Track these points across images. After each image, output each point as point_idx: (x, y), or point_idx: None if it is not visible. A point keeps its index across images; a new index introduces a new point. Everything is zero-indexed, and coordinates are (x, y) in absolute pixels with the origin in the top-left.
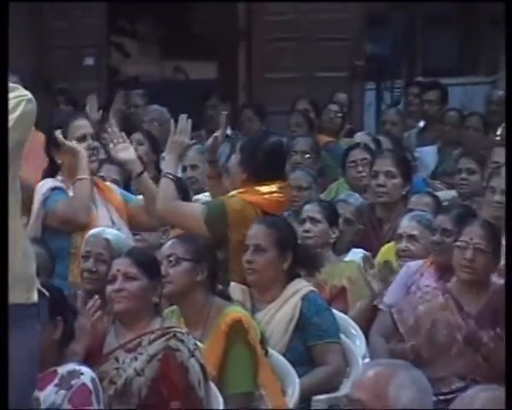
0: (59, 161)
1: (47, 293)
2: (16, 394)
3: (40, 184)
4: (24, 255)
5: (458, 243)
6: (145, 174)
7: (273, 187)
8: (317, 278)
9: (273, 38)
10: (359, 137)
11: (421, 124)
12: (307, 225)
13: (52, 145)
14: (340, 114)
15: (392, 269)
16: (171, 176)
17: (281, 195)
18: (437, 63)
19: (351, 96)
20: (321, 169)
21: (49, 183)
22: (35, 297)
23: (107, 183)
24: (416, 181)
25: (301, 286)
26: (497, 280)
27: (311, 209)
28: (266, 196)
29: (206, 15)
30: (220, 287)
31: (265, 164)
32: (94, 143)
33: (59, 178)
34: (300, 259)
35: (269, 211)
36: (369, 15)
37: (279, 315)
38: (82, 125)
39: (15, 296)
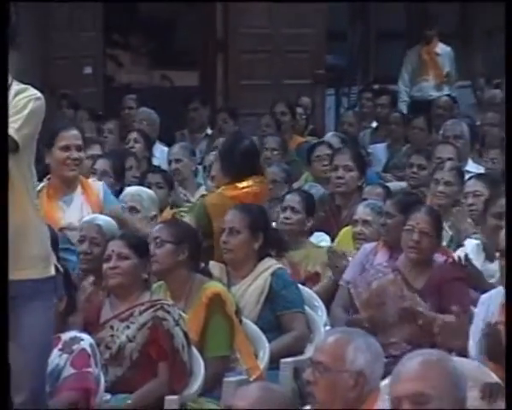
0: (47, 161)
1: (62, 269)
2: (39, 356)
3: None
4: (40, 235)
5: (407, 227)
6: None
7: (249, 182)
8: (293, 262)
9: (247, 50)
10: (328, 136)
11: (374, 124)
12: (288, 213)
13: (45, 146)
14: (304, 116)
15: (337, 253)
16: None
17: (257, 188)
18: (387, 72)
19: (313, 100)
20: (288, 164)
21: None
22: (52, 271)
23: (96, 184)
24: (370, 174)
25: (271, 264)
26: (439, 259)
27: (292, 199)
28: (244, 190)
29: (188, 31)
30: (202, 265)
31: (241, 163)
32: (76, 154)
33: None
34: (270, 240)
35: (243, 200)
36: (329, 31)
37: (251, 289)
38: (66, 137)
39: (36, 272)
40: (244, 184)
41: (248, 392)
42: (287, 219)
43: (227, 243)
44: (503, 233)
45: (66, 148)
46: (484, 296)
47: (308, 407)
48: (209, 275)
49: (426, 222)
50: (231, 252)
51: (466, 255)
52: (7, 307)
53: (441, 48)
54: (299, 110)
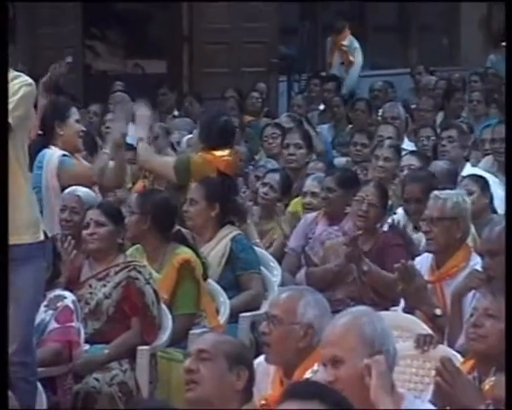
0: (61, 132)
1: (49, 234)
2: (29, 312)
3: (49, 151)
4: (29, 203)
5: (356, 198)
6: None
7: (225, 152)
8: (263, 230)
9: (210, 42)
10: (283, 117)
11: (321, 107)
12: (266, 189)
13: (57, 118)
14: (260, 100)
15: (298, 217)
16: (144, 139)
17: (230, 158)
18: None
19: (268, 86)
20: (246, 141)
21: (58, 151)
22: (41, 237)
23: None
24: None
25: (231, 230)
26: (382, 228)
27: (272, 177)
28: (220, 158)
29: (158, 25)
30: (177, 228)
31: (218, 135)
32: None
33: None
34: (229, 209)
35: (221, 168)
36: (282, 25)
37: (214, 252)
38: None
39: (26, 238)
40: (220, 153)
41: (206, 337)
42: (265, 194)
43: (187, 211)
44: (429, 204)
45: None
46: (416, 259)
47: (263, 356)
48: (182, 238)
49: (373, 194)
50: (191, 219)
51: (398, 222)
52: (7, 306)
53: (349, 39)
54: (256, 94)
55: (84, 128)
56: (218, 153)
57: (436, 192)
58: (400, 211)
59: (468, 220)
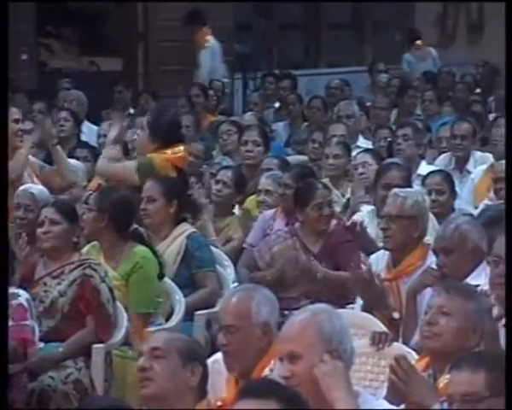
0: None
1: None
2: None
3: None
4: None
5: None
6: (58, 146)
7: (179, 148)
8: (218, 227)
9: (165, 39)
10: (248, 116)
11: (277, 105)
12: (219, 186)
13: None
14: (215, 98)
15: (250, 215)
16: (110, 145)
17: (184, 153)
18: (288, 59)
19: (223, 84)
20: (202, 140)
21: None
22: None
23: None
24: (275, 147)
25: (186, 228)
26: (332, 225)
27: (225, 174)
28: (176, 154)
29: (113, 23)
30: (134, 227)
31: (169, 131)
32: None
33: None
34: (185, 206)
35: (178, 165)
36: (237, 23)
37: (169, 250)
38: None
39: None
40: (175, 149)
41: (159, 335)
42: (218, 191)
43: (145, 209)
44: (388, 201)
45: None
46: (372, 257)
47: (219, 353)
48: (140, 236)
49: (328, 195)
50: (149, 217)
51: (361, 222)
52: (7, 305)
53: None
54: (211, 92)
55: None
56: (173, 150)
57: (396, 190)
58: (365, 208)
59: (426, 219)
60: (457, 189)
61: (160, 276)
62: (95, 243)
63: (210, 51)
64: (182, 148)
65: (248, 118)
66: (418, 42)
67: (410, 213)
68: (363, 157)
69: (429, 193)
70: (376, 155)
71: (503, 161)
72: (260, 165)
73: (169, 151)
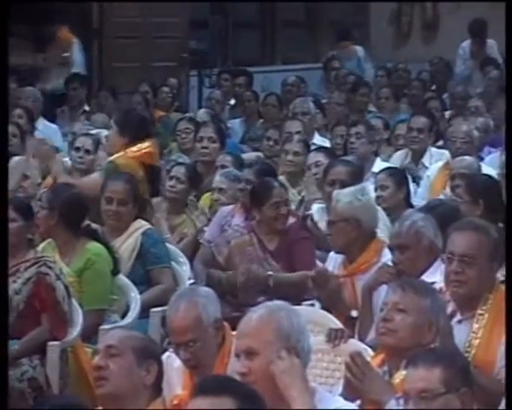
0: None
1: None
2: None
3: None
4: None
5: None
6: None
7: (146, 144)
8: (172, 225)
9: (120, 36)
10: (201, 113)
11: (232, 102)
12: (173, 182)
13: None
14: (170, 95)
15: (206, 213)
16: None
17: (151, 148)
18: (244, 56)
19: (179, 80)
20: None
21: None
22: None
23: None
24: (230, 144)
25: (142, 224)
26: (290, 222)
27: (178, 170)
28: (142, 151)
29: (68, 20)
30: (87, 223)
31: (137, 128)
32: None
33: None
34: (143, 204)
35: (145, 161)
36: (192, 19)
37: (125, 246)
38: None
39: None
40: (141, 146)
41: (114, 333)
42: (172, 187)
43: (117, 212)
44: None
45: None
46: (330, 254)
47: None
48: (93, 233)
49: (285, 193)
50: (119, 220)
51: (311, 218)
52: (7, 306)
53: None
54: (166, 89)
55: None
56: (140, 146)
57: (335, 192)
58: (315, 206)
59: (369, 217)
60: (412, 183)
61: (115, 272)
62: (50, 239)
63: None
64: (149, 143)
65: (201, 115)
66: (346, 42)
67: (342, 217)
68: (316, 156)
69: (375, 189)
70: (329, 154)
71: (460, 158)
72: (216, 161)
73: (135, 148)
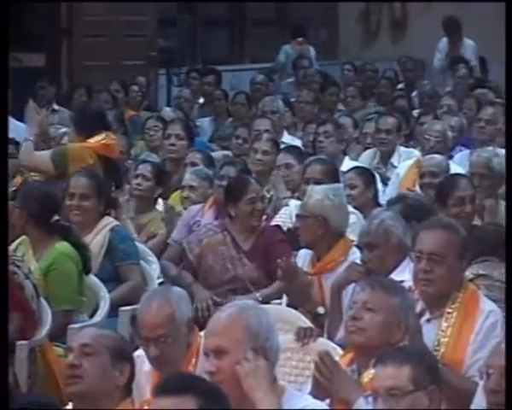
0: None
1: None
2: None
3: None
4: None
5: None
6: None
7: (101, 136)
8: (140, 224)
9: (89, 34)
10: (166, 111)
11: (201, 100)
12: (139, 180)
13: None
14: (139, 93)
15: (175, 212)
16: (30, 138)
17: (107, 141)
18: (213, 54)
19: (148, 79)
20: (124, 134)
21: None
22: None
23: None
24: (199, 143)
25: (110, 221)
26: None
27: (144, 168)
28: (96, 142)
29: (36, 18)
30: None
31: (93, 121)
32: None
33: None
34: (110, 202)
35: (100, 152)
36: (161, 18)
37: (93, 243)
38: None
39: None
40: (96, 138)
41: (87, 332)
42: (138, 185)
43: (80, 206)
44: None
45: None
46: (300, 252)
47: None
48: (66, 231)
49: (261, 190)
50: (81, 215)
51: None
52: (7, 306)
53: None
54: (136, 88)
55: None
56: (94, 138)
57: (309, 187)
58: (292, 203)
59: (337, 217)
60: (379, 184)
61: (86, 271)
62: (24, 237)
63: None
64: (104, 134)
65: (167, 112)
66: (300, 39)
67: (311, 213)
68: (285, 158)
69: (344, 188)
70: (299, 154)
71: (429, 156)
72: (184, 159)
73: (91, 140)
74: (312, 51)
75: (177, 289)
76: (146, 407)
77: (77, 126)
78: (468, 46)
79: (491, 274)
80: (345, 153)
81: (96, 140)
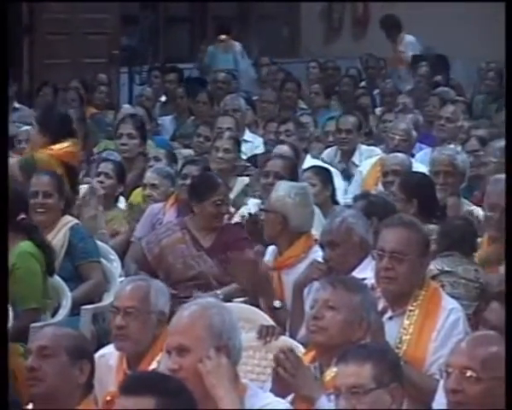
0: None
1: None
2: None
3: None
4: None
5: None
6: None
7: (65, 143)
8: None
9: (51, 32)
10: (125, 108)
11: (163, 98)
12: (101, 178)
13: None
14: (102, 92)
15: (137, 210)
16: None
17: (72, 148)
18: (175, 52)
19: (109, 77)
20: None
21: None
22: None
23: None
24: (161, 141)
25: (69, 220)
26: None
27: (105, 166)
28: (62, 149)
29: None
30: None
31: (58, 127)
32: None
33: None
34: (68, 201)
35: (64, 159)
36: (123, 15)
37: (54, 242)
38: None
39: None
40: (61, 145)
41: (46, 332)
42: (101, 182)
43: (44, 204)
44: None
45: None
46: (269, 248)
47: (106, 348)
48: (31, 230)
49: (228, 193)
50: (44, 213)
51: (249, 213)
52: (7, 306)
53: None
54: (103, 88)
55: None
56: (60, 145)
57: (278, 182)
58: (251, 201)
59: (297, 217)
60: (339, 181)
61: (50, 272)
62: None
63: None
64: (70, 142)
65: (127, 110)
66: (223, 36)
67: (272, 208)
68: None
69: None
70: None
71: (392, 155)
72: (138, 157)
73: (56, 147)
74: (238, 46)
75: (160, 283)
76: (108, 398)
77: (42, 128)
78: (409, 43)
79: (456, 271)
80: (306, 151)
81: (61, 147)
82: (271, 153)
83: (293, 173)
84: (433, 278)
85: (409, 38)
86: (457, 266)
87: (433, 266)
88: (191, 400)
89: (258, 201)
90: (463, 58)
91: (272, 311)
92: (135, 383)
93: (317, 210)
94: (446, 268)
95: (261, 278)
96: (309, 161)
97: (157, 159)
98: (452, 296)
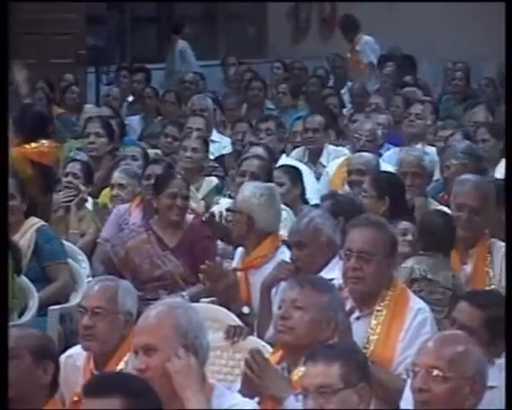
0: None
1: None
2: None
3: None
4: None
5: (169, 191)
6: None
7: (39, 143)
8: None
9: (16, 32)
10: (88, 108)
11: (130, 98)
12: (69, 178)
13: None
14: (70, 92)
15: (104, 210)
16: None
17: (46, 148)
18: (142, 52)
19: (76, 77)
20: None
21: None
22: None
23: None
24: (129, 141)
25: (35, 222)
26: (189, 219)
27: (73, 166)
28: (34, 149)
29: None
30: None
31: (33, 126)
32: None
33: None
34: (33, 203)
35: (35, 159)
36: (89, 15)
37: (20, 243)
38: None
39: None
40: (34, 145)
41: (10, 334)
42: (69, 183)
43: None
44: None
45: None
46: (239, 249)
47: (73, 348)
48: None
49: (185, 188)
50: (10, 215)
51: (221, 212)
52: (7, 307)
53: None
54: (75, 88)
55: None
56: (32, 145)
57: (245, 182)
58: (223, 201)
59: (263, 217)
60: (311, 179)
61: (17, 272)
62: None
63: None
64: (43, 142)
65: (89, 110)
66: (175, 35)
67: (238, 208)
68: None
69: None
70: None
71: (358, 154)
72: (105, 156)
73: (28, 146)
74: (183, 44)
75: (128, 284)
76: (76, 399)
77: (16, 127)
78: (367, 42)
79: (437, 279)
80: (283, 151)
81: (34, 146)
82: (242, 153)
83: (268, 174)
84: (413, 281)
85: (366, 38)
86: (438, 272)
87: (416, 268)
88: (157, 400)
89: (230, 200)
90: (431, 58)
91: (241, 317)
92: (100, 384)
93: (287, 210)
94: (428, 275)
95: (227, 286)
96: (284, 161)
97: (135, 158)
98: (427, 302)
